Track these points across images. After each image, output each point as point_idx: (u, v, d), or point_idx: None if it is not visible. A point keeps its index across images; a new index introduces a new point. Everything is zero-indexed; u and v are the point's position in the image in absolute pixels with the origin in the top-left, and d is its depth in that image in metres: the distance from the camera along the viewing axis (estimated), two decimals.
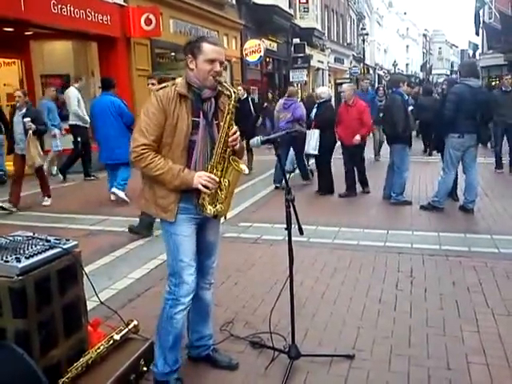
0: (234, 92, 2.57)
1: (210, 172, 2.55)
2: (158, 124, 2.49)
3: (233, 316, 3.61)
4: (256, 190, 8.45)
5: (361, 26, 38.09)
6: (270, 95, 17.11)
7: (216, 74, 2.54)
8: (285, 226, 2.80)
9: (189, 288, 2.62)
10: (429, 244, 5.19)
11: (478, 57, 34.33)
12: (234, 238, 5.64)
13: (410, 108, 7.60)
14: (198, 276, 2.78)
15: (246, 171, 2.63)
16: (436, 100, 12.46)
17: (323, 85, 31.36)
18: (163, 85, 2.61)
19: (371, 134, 11.45)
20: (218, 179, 2.55)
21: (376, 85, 39.55)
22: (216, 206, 2.60)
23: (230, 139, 2.55)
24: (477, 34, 32.33)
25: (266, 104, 16.79)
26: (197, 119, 2.55)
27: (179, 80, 2.61)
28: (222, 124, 2.57)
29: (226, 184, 2.59)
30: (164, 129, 2.51)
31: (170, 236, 2.62)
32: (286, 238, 2.84)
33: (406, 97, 7.38)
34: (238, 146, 2.61)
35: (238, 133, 2.61)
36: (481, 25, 31.36)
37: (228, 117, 2.55)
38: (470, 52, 38.63)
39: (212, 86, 2.56)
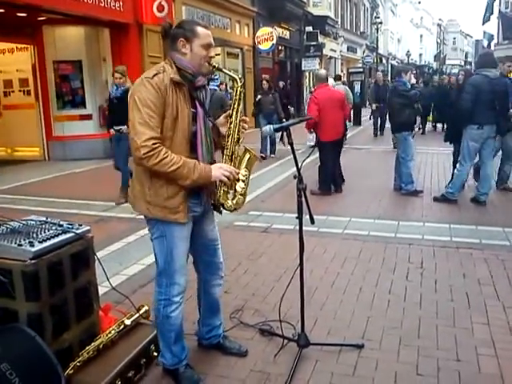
0: (240, 78, 2.51)
1: (226, 163, 2.49)
2: (159, 114, 2.27)
3: (242, 303, 3.62)
4: (266, 179, 8.45)
5: (374, 14, 37.68)
6: (264, 84, 11.24)
7: (210, 59, 2.41)
8: (295, 215, 2.80)
9: (180, 288, 2.55)
10: (440, 236, 5.16)
11: (492, 47, 33.81)
12: (244, 226, 5.65)
13: (414, 92, 7.54)
14: (209, 275, 2.79)
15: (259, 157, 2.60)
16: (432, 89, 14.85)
17: (335, 74, 31.22)
18: (154, 71, 2.33)
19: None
20: (237, 170, 2.48)
21: (389, 75, 39.18)
22: (235, 198, 2.53)
23: (241, 126, 2.51)
24: (484, 22, 31.73)
25: (259, 97, 11.42)
26: (193, 110, 2.41)
27: (166, 66, 2.38)
28: (231, 112, 2.50)
29: (247, 174, 2.53)
30: (164, 120, 2.30)
31: (163, 237, 2.46)
32: (297, 228, 2.83)
33: (409, 85, 7.32)
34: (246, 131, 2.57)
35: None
36: (496, 15, 30.87)
37: (236, 103, 2.50)
38: (485, 42, 38.03)
39: (208, 72, 2.46)
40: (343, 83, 15.15)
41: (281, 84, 16.09)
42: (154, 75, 2.30)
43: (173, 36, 2.41)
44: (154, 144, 2.24)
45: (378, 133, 15.39)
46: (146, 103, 2.25)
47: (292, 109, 14.59)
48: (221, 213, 2.63)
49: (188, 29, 2.38)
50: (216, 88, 11.06)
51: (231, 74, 2.53)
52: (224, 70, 2.53)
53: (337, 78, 14.94)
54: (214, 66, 2.46)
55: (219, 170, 2.40)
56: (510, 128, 6.67)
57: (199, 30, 2.38)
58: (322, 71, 8.13)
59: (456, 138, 6.80)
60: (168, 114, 2.30)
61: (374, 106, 15.09)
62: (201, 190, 2.49)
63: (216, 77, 11.71)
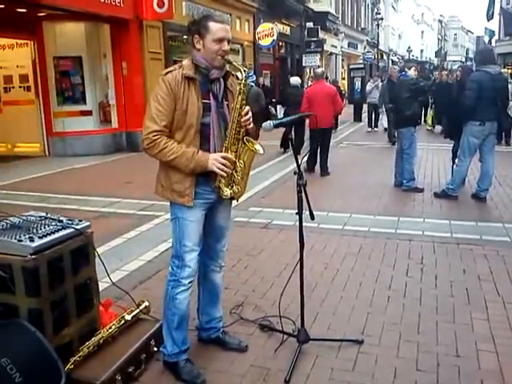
0: (245, 71, 2.57)
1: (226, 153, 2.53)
2: (168, 109, 2.46)
3: (242, 299, 3.63)
4: (267, 175, 8.44)
5: (375, 10, 37.56)
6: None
7: (224, 53, 2.51)
8: (295, 211, 2.80)
9: (191, 271, 2.64)
10: (440, 232, 5.16)
11: (494, 43, 33.72)
12: (244, 222, 5.65)
13: (422, 83, 7.56)
14: (208, 259, 2.84)
15: (261, 151, 2.61)
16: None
17: (336, 70, 31.29)
18: (170, 68, 2.54)
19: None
20: (233, 159, 2.53)
21: (389, 71, 39.06)
22: (233, 187, 2.59)
23: (242, 119, 2.53)
24: (489, 19, 31.61)
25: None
26: (207, 101, 2.53)
27: (185, 62, 2.56)
28: (233, 105, 2.55)
29: (242, 165, 2.58)
30: (175, 113, 2.48)
31: (177, 219, 2.62)
32: (297, 224, 2.83)
33: (414, 80, 7.27)
34: (251, 126, 2.60)
35: (250, 113, 2.59)
36: (497, 10, 30.76)
37: (239, 97, 2.53)
38: (486, 38, 37.88)
39: (220, 65, 2.53)
40: (333, 82, 16.23)
41: (261, 80, 15.41)
42: (168, 72, 2.51)
43: (190, 33, 2.56)
44: (154, 136, 2.45)
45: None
46: (157, 98, 2.47)
47: (273, 109, 13.40)
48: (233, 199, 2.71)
49: (202, 25, 2.50)
50: (253, 84, 11.68)
51: (239, 66, 2.61)
52: (234, 62, 2.61)
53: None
54: (225, 59, 2.54)
55: (213, 161, 2.48)
56: (510, 124, 6.66)
57: (211, 25, 2.48)
58: (319, 70, 9.39)
59: (456, 134, 6.79)
60: (178, 106, 2.47)
61: (384, 107, 12.49)
62: (208, 177, 2.56)
63: (250, 74, 12.39)
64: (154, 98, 2.49)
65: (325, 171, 8.57)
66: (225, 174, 2.53)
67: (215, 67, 2.53)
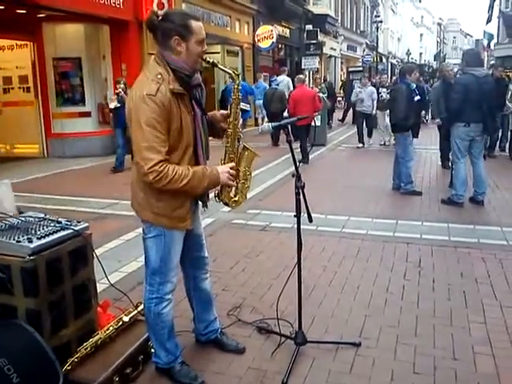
0: (238, 75, 2.46)
1: (228, 162, 2.49)
2: (165, 133, 2.20)
3: (240, 301, 3.63)
4: (265, 177, 8.44)
5: (375, 13, 37.62)
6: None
7: (203, 54, 2.31)
8: (293, 213, 2.81)
9: (172, 286, 2.57)
10: (438, 235, 5.17)
11: (492, 47, 33.78)
12: (243, 224, 5.65)
13: (417, 98, 7.34)
14: (197, 270, 2.79)
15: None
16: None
17: (335, 72, 31.36)
18: (152, 85, 2.19)
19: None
20: (238, 168, 2.49)
21: (389, 73, 39.13)
22: (237, 195, 2.57)
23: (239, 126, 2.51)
24: (487, 22, 31.67)
25: None
26: (192, 112, 2.35)
27: (161, 71, 2.25)
28: (230, 112, 2.48)
29: (248, 172, 2.54)
30: (170, 133, 2.24)
31: (162, 237, 2.44)
32: (295, 226, 2.84)
33: (414, 86, 7.14)
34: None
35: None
36: (496, 14, 30.83)
37: (234, 103, 2.46)
38: (485, 42, 37.90)
39: (199, 68, 2.37)
40: (328, 84, 17.83)
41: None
42: (157, 91, 2.18)
43: (164, 32, 2.25)
44: (160, 167, 2.19)
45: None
46: (151, 123, 2.17)
47: None
48: (207, 207, 2.62)
49: (181, 24, 2.21)
50: (277, 87, 13.29)
51: (227, 70, 2.49)
52: (219, 65, 2.46)
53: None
54: (208, 62, 2.39)
55: (225, 174, 2.40)
56: (497, 127, 6.66)
57: (193, 24, 2.23)
58: (301, 76, 11.09)
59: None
60: (173, 127, 2.25)
61: (437, 120, 8.61)
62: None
63: (273, 78, 13.97)
64: (145, 122, 2.16)
65: (305, 158, 9.85)
66: (235, 185, 2.49)
67: (196, 71, 2.36)
